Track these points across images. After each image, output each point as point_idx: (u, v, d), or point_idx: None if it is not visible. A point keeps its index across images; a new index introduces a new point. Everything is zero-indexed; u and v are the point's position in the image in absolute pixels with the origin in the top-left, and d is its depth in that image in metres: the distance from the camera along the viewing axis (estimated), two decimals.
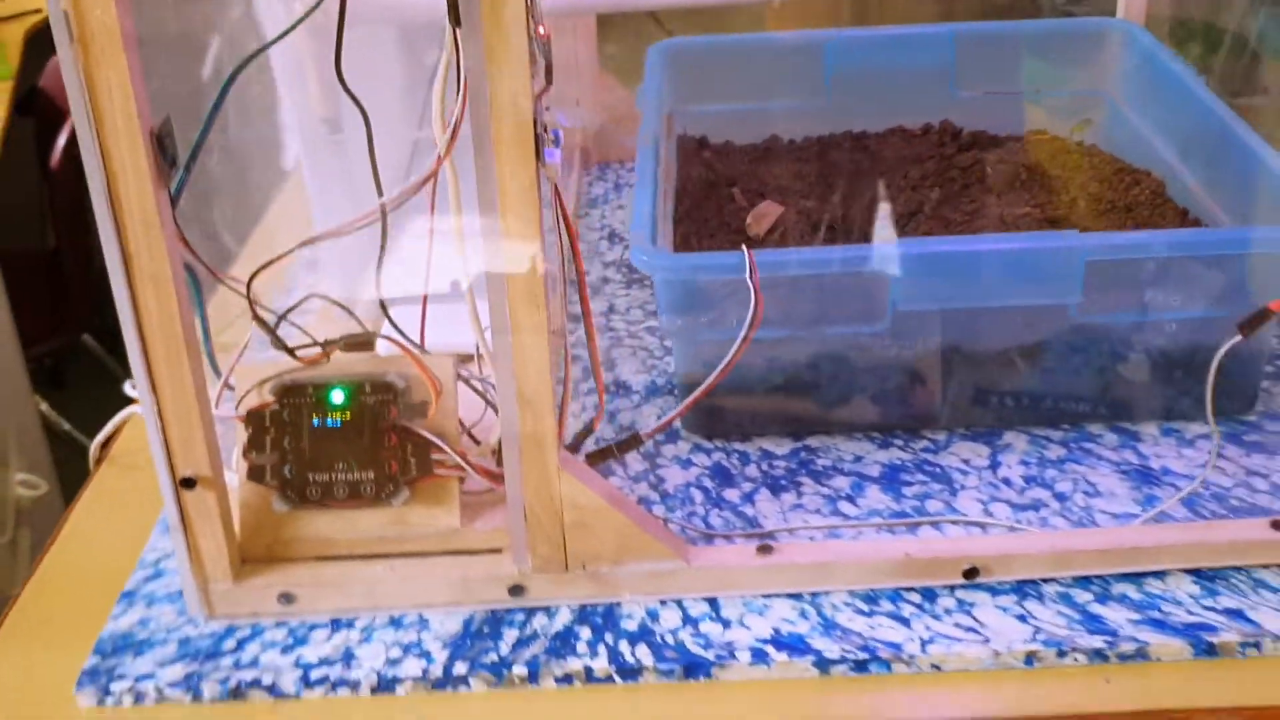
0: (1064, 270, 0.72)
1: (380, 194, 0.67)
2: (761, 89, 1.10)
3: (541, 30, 0.56)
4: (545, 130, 0.57)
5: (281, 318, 0.69)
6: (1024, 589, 0.67)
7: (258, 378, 0.67)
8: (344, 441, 0.66)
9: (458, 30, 0.55)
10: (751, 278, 0.70)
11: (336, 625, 0.67)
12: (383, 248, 0.68)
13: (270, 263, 0.62)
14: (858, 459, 0.77)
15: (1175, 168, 0.92)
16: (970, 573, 0.67)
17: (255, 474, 0.67)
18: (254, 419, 0.66)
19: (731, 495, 0.75)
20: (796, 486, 0.75)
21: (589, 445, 0.71)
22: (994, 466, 0.76)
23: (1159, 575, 0.67)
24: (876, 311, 0.75)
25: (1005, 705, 0.62)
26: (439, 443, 0.66)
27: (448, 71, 0.58)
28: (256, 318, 0.64)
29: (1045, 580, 0.67)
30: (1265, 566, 0.67)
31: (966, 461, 0.77)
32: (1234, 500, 0.72)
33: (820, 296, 0.75)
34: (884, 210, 0.95)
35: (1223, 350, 0.64)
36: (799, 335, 0.76)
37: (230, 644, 0.67)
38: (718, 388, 0.76)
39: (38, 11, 2.33)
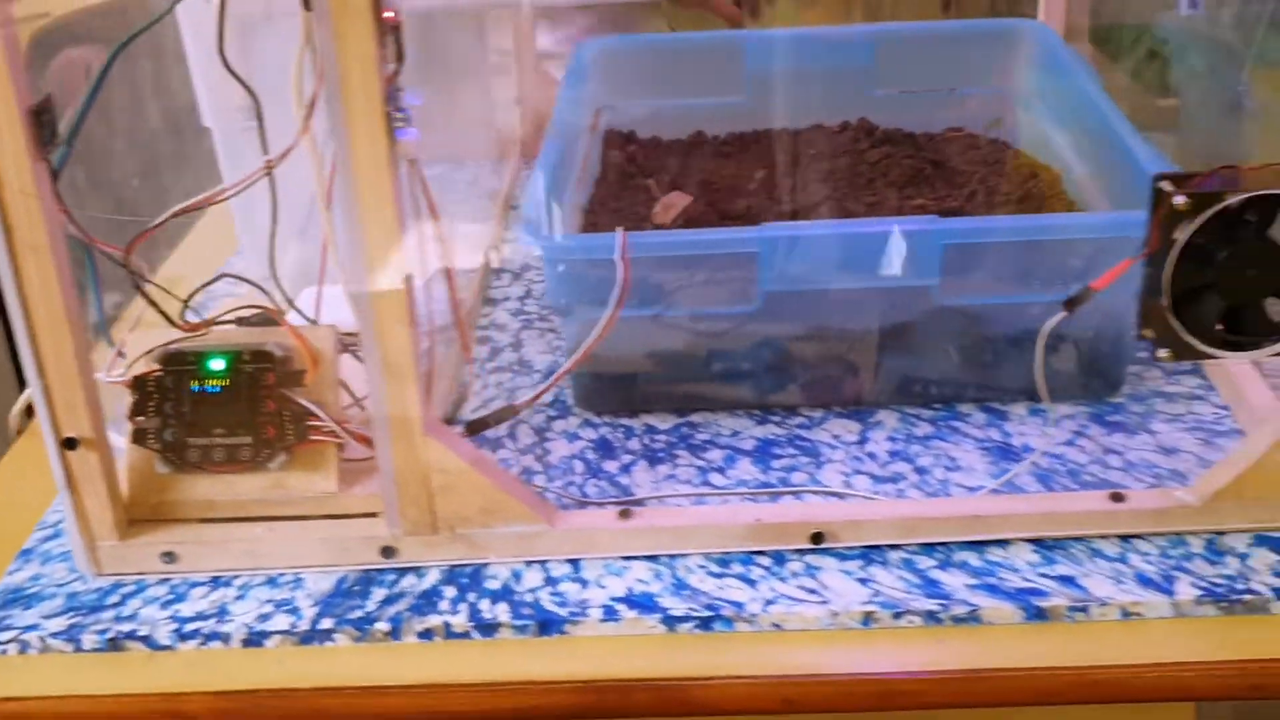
0: (923, 253, 0.75)
1: (270, 174, 0.71)
2: (689, 87, 1.13)
3: (390, 14, 0.59)
4: (398, 110, 0.61)
5: (190, 296, 0.73)
6: (870, 555, 0.70)
7: (148, 346, 0.71)
8: (222, 407, 0.69)
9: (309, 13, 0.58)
10: (621, 258, 0.73)
11: (216, 583, 0.71)
12: (274, 220, 0.72)
13: (144, 233, 0.65)
14: (735, 434, 0.81)
15: (1071, 162, 0.95)
16: (816, 537, 0.70)
17: (139, 437, 0.70)
18: (139, 385, 0.70)
19: (610, 466, 0.78)
20: (673, 459, 0.79)
21: (467, 414, 0.75)
22: (862, 442, 0.79)
23: (1002, 544, 0.70)
24: (748, 293, 0.78)
25: (841, 663, 0.65)
26: (315, 410, 0.70)
27: (302, 54, 0.62)
28: (137, 286, 0.67)
29: (892, 547, 0.70)
30: (1104, 537, 0.70)
31: (837, 437, 0.80)
32: (1087, 476, 0.75)
33: (696, 278, 0.79)
34: (787, 202, 0.99)
35: (1048, 327, 0.67)
36: (677, 315, 0.79)
37: (114, 599, 0.70)
38: (606, 365, 0.80)
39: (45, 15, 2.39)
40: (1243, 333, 0.66)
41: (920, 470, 0.76)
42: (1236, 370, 0.80)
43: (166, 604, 0.70)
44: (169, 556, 0.71)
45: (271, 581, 0.71)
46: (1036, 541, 0.70)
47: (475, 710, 0.65)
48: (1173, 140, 1.13)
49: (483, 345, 0.93)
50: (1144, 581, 0.67)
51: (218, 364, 0.70)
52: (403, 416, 0.67)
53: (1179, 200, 0.61)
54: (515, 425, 0.83)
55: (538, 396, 0.75)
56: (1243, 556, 0.68)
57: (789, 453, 0.78)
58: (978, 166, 1.03)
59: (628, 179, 1.05)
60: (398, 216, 0.62)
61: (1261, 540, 0.69)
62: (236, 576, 0.71)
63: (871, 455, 0.78)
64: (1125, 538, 0.70)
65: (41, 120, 0.62)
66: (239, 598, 0.70)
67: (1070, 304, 0.66)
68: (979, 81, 1.10)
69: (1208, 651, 0.64)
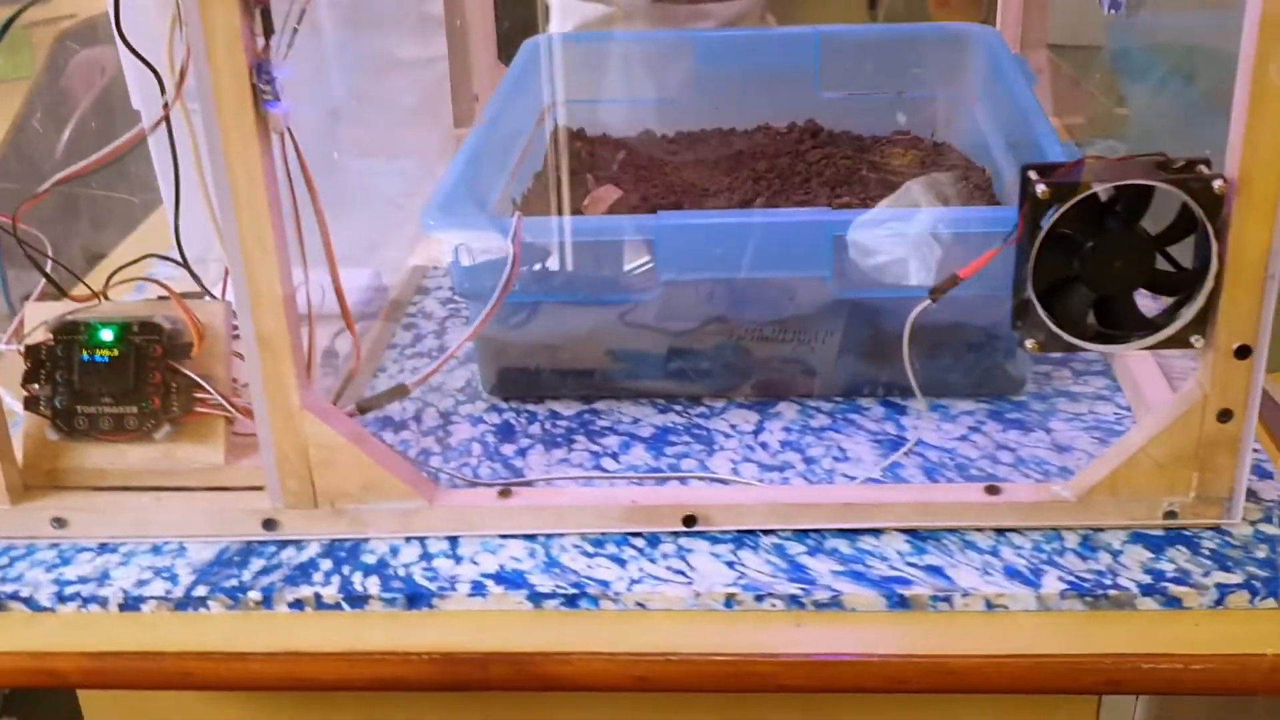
0: (814, 245, 0.75)
1: (174, 154, 0.72)
2: (640, 86, 1.14)
3: None
4: (267, 83, 0.62)
5: (113, 275, 0.75)
6: (743, 540, 0.70)
7: (46, 316, 0.73)
8: (110, 377, 0.71)
9: None
10: (514, 241, 0.74)
11: (103, 549, 0.72)
12: (176, 194, 0.73)
13: (29, 201, 0.67)
14: (635, 421, 0.81)
15: (1001, 164, 0.95)
16: (689, 520, 0.70)
17: (30, 404, 0.72)
18: (32, 353, 0.71)
19: (507, 449, 0.79)
20: (570, 444, 0.79)
21: (354, 394, 0.76)
22: (757, 432, 0.79)
23: (876, 533, 0.70)
24: (647, 281, 0.78)
25: (697, 643, 0.65)
26: (201, 383, 0.71)
27: (173, 28, 0.63)
28: (26, 254, 0.69)
29: (766, 532, 0.70)
30: (979, 529, 0.70)
31: (734, 427, 0.80)
32: (974, 470, 0.75)
33: (598, 266, 0.79)
34: (721, 199, 0.99)
35: (913, 315, 0.67)
36: (580, 302, 0.80)
37: (3, 561, 0.72)
38: (513, 352, 0.81)
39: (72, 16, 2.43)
40: (1115, 325, 0.66)
41: (809, 460, 0.76)
42: (1139, 370, 0.79)
43: (52, 567, 0.71)
44: (59, 522, 0.72)
45: (156, 549, 0.72)
46: (910, 532, 0.70)
47: (334, 678, 0.65)
48: (1125, 147, 1.13)
49: (407, 331, 0.94)
50: (1011, 574, 0.67)
51: (106, 334, 0.71)
52: (279, 391, 0.68)
53: (1040, 189, 0.62)
54: (423, 409, 0.84)
55: (426, 377, 0.76)
56: (1116, 553, 0.68)
57: (684, 440, 0.79)
58: (914, 167, 1.03)
59: (570, 175, 1.06)
60: (266, 189, 0.63)
61: (1137, 537, 0.69)
62: (124, 544, 0.72)
63: (764, 445, 0.78)
64: (1000, 531, 0.70)
65: None
66: (122, 564, 0.71)
67: (935, 292, 0.66)
68: (929, 85, 1.10)
69: (1068, 645, 0.63)
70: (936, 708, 0.77)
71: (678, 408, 0.82)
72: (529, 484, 0.75)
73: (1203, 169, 0.62)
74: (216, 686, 0.66)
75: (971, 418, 0.80)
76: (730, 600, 0.67)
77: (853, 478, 0.74)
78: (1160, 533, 0.69)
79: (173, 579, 0.70)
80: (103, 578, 0.70)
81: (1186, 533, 0.69)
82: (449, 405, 0.84)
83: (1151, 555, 0.67)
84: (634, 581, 0.68)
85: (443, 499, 0.71)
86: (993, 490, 0.70)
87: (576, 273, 0.79)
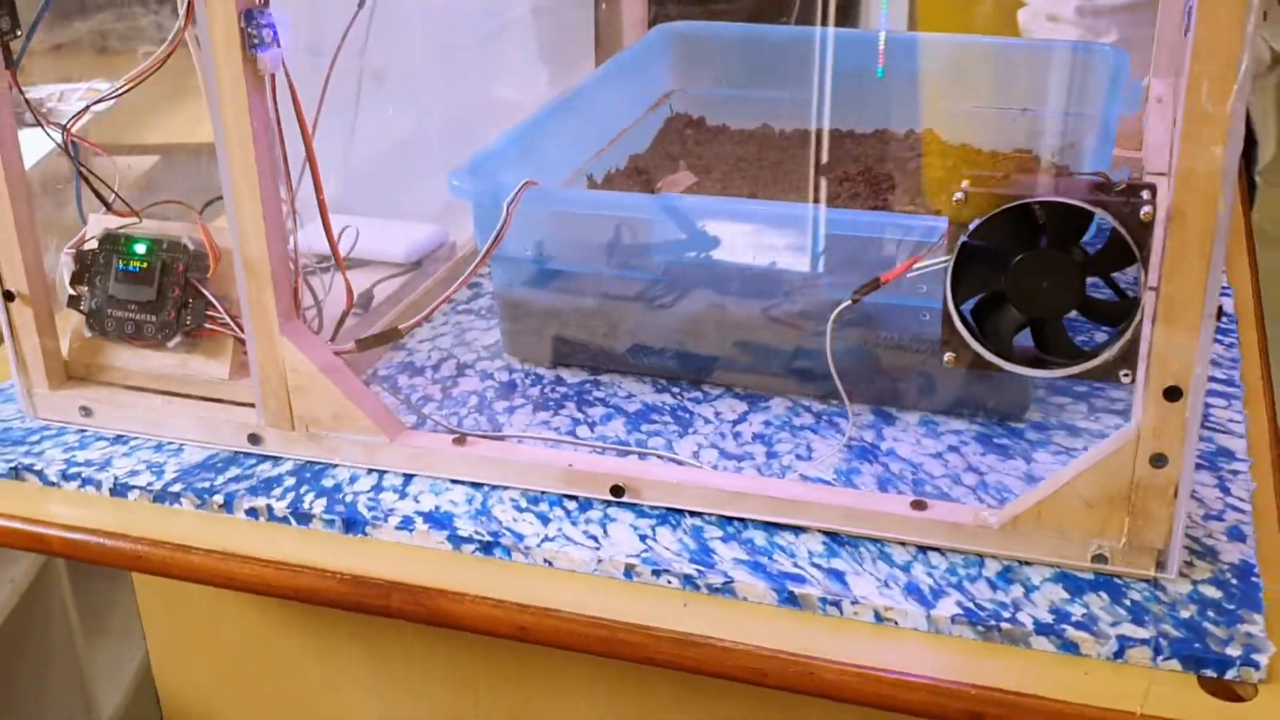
0: (799, 240, 0.75)
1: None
2: (765, 79, 1.15)
3: None
4: (257, 29, 0.68)
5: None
6: (668, 517, 0.71)
7: (103, 227, 0.81)
8: (138, 286, 0.79)
9: None
10: (509, 205, 0.77)
11: (116, 440, 0.80)
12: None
13: (80, 112, 0.75)
14: (629, 396, 0.83)
15: None
16: (616, 490, 0.72)
17: (72, 302, 0.80)
18: (79, 258, 0.80)
19: (499, 406, 0.83)
20: (559, 408, 0.82)
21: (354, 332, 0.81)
22: (737, 422, 0.80)
23: (797, 531, 0.70)
24: (652, 261, 0.80)
25: (586, 604, 0.67)
26: (214, 301, 0.78)
27: None
28: (75, 164, 0.77)
29: (693, 514, 0.71)
30: (901, 543, 0.68)
31: (718, 414, 0.81)
32: (930, 488, 0.73)
33: (609, 240, 0.82)
34: (790, 195, 0.99)
35: (833, 316, 0.66)
36: (591, 273, 0.83)
37: (35, 438, 0.81)
38: (530, 317, 0.84)
39: None
40: (1046, 350, 0.63)
41: (772, 455, 0.76)
42: None
43: (69, 449, 0.80)
44: (86, 411, 0.81)
45: (158, 446, 0.79)
46: (831, 535, 0.69)
47: (258, 582, 0.71)
48: None
49: (471, 289, 0.99)
50: (911, 590, 0.65)
51: (140, 248, 0.79)
52: (262, 315, 0.74)
53: (958, 197, 0.60)
54: (445, 359, 0.88)
55: (414, 325, 0.80)
56: (1031, 588, 0.65)
57: (664, 420, 0.80)
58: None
59: (669, 159, 1.08)
60: (252, 127, 0.69)
61: (1062, 577, 0.66)
62: (135, 438, 0.80)
63: (737, 435, 0.78)
64: (923, 549, 0.68)
65: (1, 9, 0.72)
66: (125, 455, 0.79)
67: (859, 293, 0.65)
68: (1056, 104, 1.06)
69: (938, 669, 0.62)
70: (805, 709, 0.75)
71: (675, 389, 0.83)
72: (490, 438, 0.78)
73: (1144, 194, 0.59)
74: (161, 572, 0.73)
75: (956, 436, 0.77)
76: (630, 571, 0.68)
77: (806, 477, 0.74)
78: (1089, 576, 0.66)
79: (159, 474, 0.77)
80: (105, 464, 0.78)
81: (1117, 580, 0.65)
82: (469, 359, 0.88)
83: (1067, 596, 0.64)
84: (547, 539, 0.70)
85: (404, 438, 0.76)
86: (919, 506, 0.68)
87: (594, 246, 0.81)
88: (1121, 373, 0.61)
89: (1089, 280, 0.61)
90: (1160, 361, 0.60)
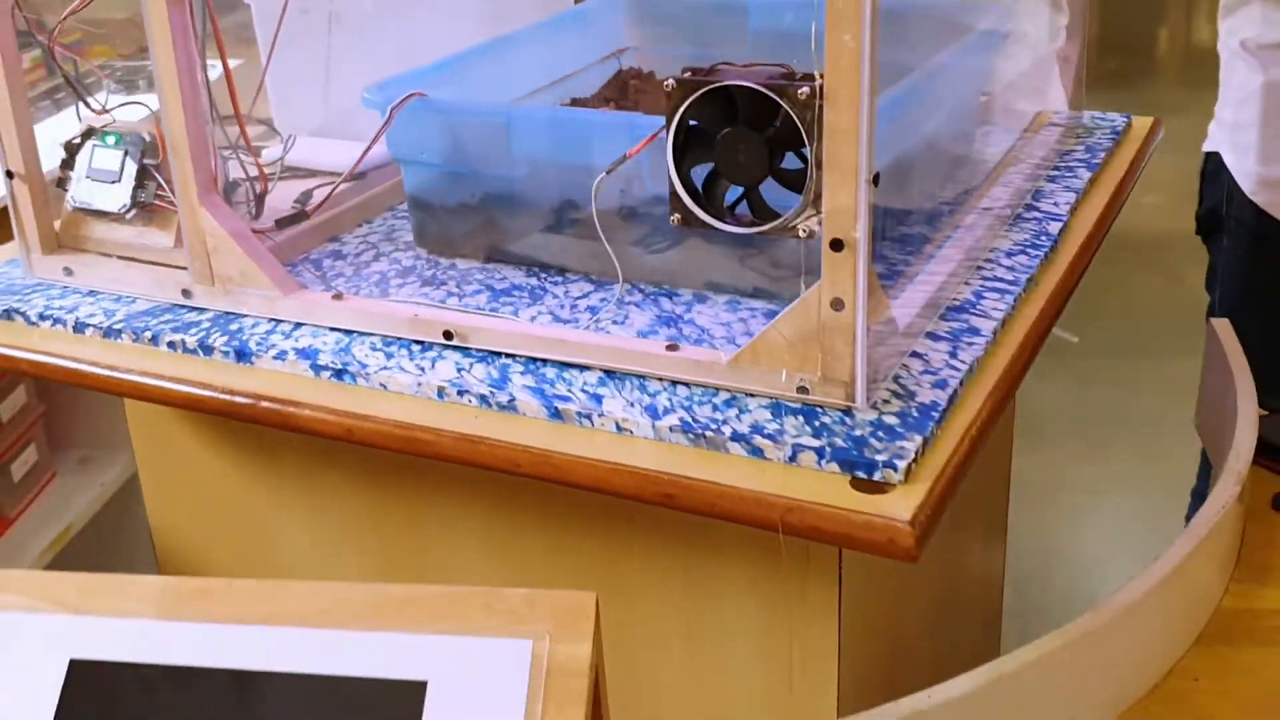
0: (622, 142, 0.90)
1: None
2: (723, 41, 1.30)
3: None
4: None
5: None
6: (488, 358, 0.87)
7: (88, 124, 1.02)
8: (107, 171, 0.99)
9: None
10: (387, 113, 0.95)
11: (89, 294, 1.01)
12: None
13: (67, 14, 0.95)
14: (503, 279, 1.00)
15: None
16: (447, 335, 0.88)
17: (60, 182, 1.01)
18: (67, 148, 1.01)
19: (395, 281, 1.00)
20: (440, 285, 0.99)
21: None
22: (579, 298, 0.95)
23: (582, 369, 0.85)
24: (517, 161, 0.96)
25: (398, 413, 0.83)
26: (161, 181, 0.98)
27: None
28: (60, 69, 0.98)
29: (511, 355, 0.87)
30: (659, 379, 0.83)
31: (567, 293, 0.96)
32: (706, 344, 0.87)
33: (483, 143, 0.98)
34: None
35: (594, 186, 0.81)
36: (468, 171, 0.99)
37: (29, 290, 1.02)
38: (435, 211, 1.01)
39: None
40: (755, 214, 0.77)
41: (596, 322, 0.92)
42: None
43: (51, 299, 1.00)
44: (68, 271, 1.01)
45: (117, 299, 0.99)
46: (609, 372, 0.85)
47: (160, 395, 0.90)
48: None
49: None
50: (648, 410, 0.80)
51: (111, 139, 0.99)
52: (185, 187, 0.93)
53: (668, 84, 0.75)
54: (367, 250, 1.06)
55: (318, 206, 0.98)
56: (744, 411, 0.79)
57: (521, 295, 0.96)
58: None
59: (606, 102, 1.24)
60: (171, 26, 0.88)
61: (776, 406, 0.80)
62: (101, 293, 1.00)
63: (574, 305, 0.94)
64: (676, 383, 0.83)
65: None
66: (90, 304, 0.99)
67: (611, 167, 0.81)
68: None
69: (647, 461, 0.77)
70: (567, 502, 0.90)
71: (544, 274, 0.99)
72: (362, 298, 0.95)
73: (806, 83, 0.73)
74: (97, 387, 0.92)
75: (750, 313, 0.92)
76: (441, 392, 0.85)
77: (599, 329, 0.89)
78: (796, 405, 0.79)
79: (111, 317, 0.97)
80: (73, 309, 0.98)
81: (817, 409, 0.79)
82: (387, 249, 1.06)
83: (769, 417, 0.78)
84: (384, 369, 0.87)
85: (295, 294, 0.94)
86: (672, 348, 0.83)
87: (472, 148, 0.98)
88: (801, 229, 0.75)
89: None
90: (830, 219, 0.74)
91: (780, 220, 0.75)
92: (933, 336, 0.87)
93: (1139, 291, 2.89)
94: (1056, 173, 1.15)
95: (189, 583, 0.66)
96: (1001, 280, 0.95)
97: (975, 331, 0.88)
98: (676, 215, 0.78)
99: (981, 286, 0.94)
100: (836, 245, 0.74)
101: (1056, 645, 0.84)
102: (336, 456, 0.99)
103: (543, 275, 0.99)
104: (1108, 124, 1.25)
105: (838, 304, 0.75)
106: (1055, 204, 1.09)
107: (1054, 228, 1.04)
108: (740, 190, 0.77)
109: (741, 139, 0.75)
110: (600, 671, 0.65)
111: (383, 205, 1.16)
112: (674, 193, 0.78)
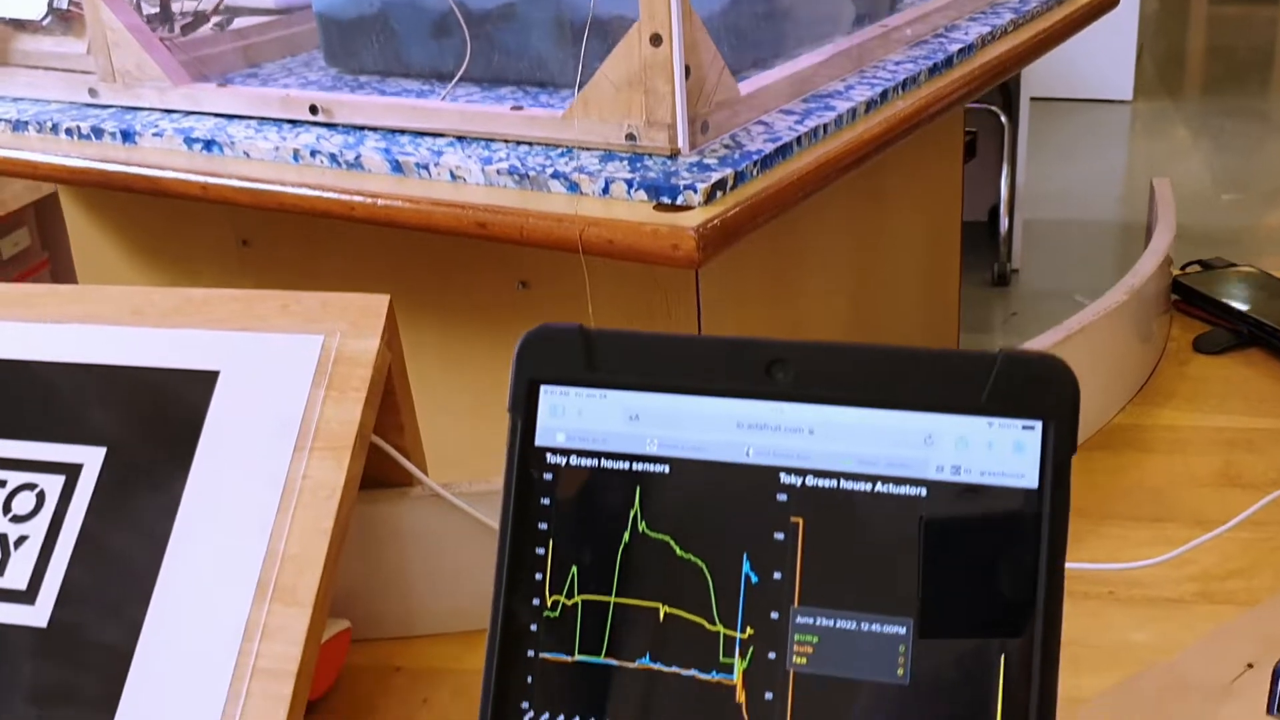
0: None
1: None
2: None
3: None
4: None
5: None
6: (351, 131, 0.90)
7: None
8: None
9: None
10: None
11: (14, 100, 1.05)
12: None
13: None
14: (390, 88, 1.02)
15: None
16: (313, 109, 0.91)
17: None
18: None
19: (288, 83, 1.03)
20: (334, 88, 1.02)
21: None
22: (460, 97, 0.97)
23: (437, 136, 0.87)
24: None
25: (259, 175, 0.86)
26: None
27: None
28: None
29: (373, 129, 0.90)
30: (506, 140, 0.85)
31: (429, 85, 0.99)
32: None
33: None
34: None
35: None
36: None
37: None
38: (337, 28, 1.04)
39: None
40: None
41: (451, 93, 0.94)
42: None
43: None
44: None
45: (36, 100, 1.04)
46: (460, 137, 0.86)
47: (64, 174, 0.94)
48: None
49: None
50: (483, 160, 0.82)
51: None
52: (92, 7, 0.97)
53: None
54: (283, 71, 1.10)
55: (214, 10, 1.01)
56: (576, 159, 0.81)
57: (409, 92, 0.99)
58: None
59: None
60: None
61: (607, 155, 0.81)
62: (24, 98, 1.05)
63: (436, 94, 0.96)
64: (520, 142, 0.84)
65: None
66: (21, 107, 1.03)
67: None
68: None
69: (474, 198, 0.78)
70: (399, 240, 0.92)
71: (434, 83, 1.02)
72: (245, 88, 0.98)
73: None
74: (11, 173, 0.97)
75: None
76: (296, 154, 0.87)
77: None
78: (625, 153, 0.80)
79: (24, 114, 1.01)
80: (19, 117, 1.03)
81: (645, 155, 0.80)
82: (301, 71, 1.09)
83: (596, 162, 0.80)
84: (249, 139, 0.90)
85: (186, 86, 0.97)
86: (516, 109, 0.85)
87: None
88: None
89: None
90: None
91: None
92: (786, 112, 0.87)
93: None
94: (981, 15, 1.15)
95: (16, 289, 0.69)
96: (879, 79, 0.95)
97: (831, 109, 0.88)
98: None
99: (857, 82, 0.94)
100: None
101: None
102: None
103: (433, 84, 1.01)
104: None
105: (656, 39, 0.76)
106: (965, 34, 1.08)
107: (954, 48, 1.04)
108: None
109: None
110: (397, 372, 0.66)
111: (312, 44, 1.19)
112: None
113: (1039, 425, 0.40)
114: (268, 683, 0.56)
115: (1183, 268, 1.00)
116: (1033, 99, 2.79)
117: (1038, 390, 0.39)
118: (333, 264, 1.02)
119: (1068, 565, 0.39)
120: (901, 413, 0.41)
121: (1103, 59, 3.69)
